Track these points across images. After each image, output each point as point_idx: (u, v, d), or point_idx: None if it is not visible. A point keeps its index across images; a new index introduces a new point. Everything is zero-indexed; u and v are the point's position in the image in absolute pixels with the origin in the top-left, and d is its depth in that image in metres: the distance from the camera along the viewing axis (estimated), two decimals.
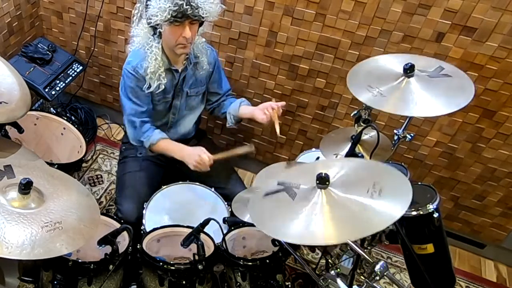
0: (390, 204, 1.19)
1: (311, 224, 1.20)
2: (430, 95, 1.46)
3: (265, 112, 1.88)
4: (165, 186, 2.01)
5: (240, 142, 2.66)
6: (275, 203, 1.34)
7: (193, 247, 1.58)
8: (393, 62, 1.62)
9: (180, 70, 1.92)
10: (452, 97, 1.44)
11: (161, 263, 1.60)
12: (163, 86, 1.88)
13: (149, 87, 1.86)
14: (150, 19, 1.71)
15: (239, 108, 2.04)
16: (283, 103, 1.90)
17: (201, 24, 1.81)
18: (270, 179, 1.45)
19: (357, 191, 1.25)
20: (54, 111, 2.52)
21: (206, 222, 1.59)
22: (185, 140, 2.15)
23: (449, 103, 1.43)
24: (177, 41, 1.75)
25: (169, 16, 1.66)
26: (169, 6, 1.64)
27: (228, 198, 1.97)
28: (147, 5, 1.71)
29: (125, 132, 2.16)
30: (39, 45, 2.50)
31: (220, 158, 1.89)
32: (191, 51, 1.90)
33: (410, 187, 1.22)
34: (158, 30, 1.77)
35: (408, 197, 1.19)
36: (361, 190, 1.24)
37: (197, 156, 1.84)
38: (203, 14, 1.70)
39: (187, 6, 1.65)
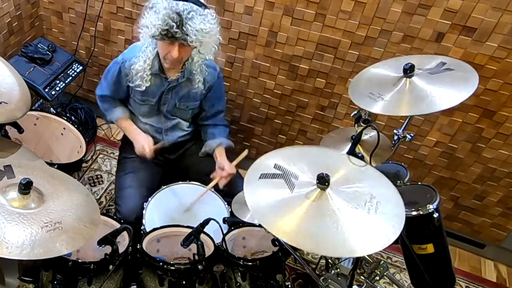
0: (382, 227, 1.16)
1: (297, 223, 1.17)
2: (442, 87, 1.45)
3: (219, 173, 2.01)
4: (164, 186, 2.00)
5: (240, 142, 2.66)
6: (272, 189, 1.29)
7: (193, 247, 1.58)
8: (385, 69, 1.63)
9: (170, 79, 1.90)
10: (462, 85, 1.44)
11: (161, 263, 1.59)
12: (144, 88, 1.87)
13: (131, 81, 1.89)
14: (142, 29, 1.72)
15: (215, 150, 2.08)
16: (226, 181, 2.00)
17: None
18: (266, 160, 1.40)
19: (356, 200, 1.22)
20: (54, 111, 2.52)
21: (206, 222, 1.59)
22: (183, 142, 2.15)
23: (464, 88, 1.42)
24: (164, 56, 1.76)
25: (157, 33, 1.66)
26: (160, 24, 1.63)
27: (228, 194, 1.97)
28: (144, 14, 1.70)
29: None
30: (39, 45, 2.51)
31: None
32: (188, 65, 1.88)
33: (403, 210, 1.21)
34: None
35: (400, 223, 1.17)
36: (359, 200, 1.22)
37: (141, 147, 1.99)
38: (191, 42, 1.65)
39: (177, 30, 1.62)
